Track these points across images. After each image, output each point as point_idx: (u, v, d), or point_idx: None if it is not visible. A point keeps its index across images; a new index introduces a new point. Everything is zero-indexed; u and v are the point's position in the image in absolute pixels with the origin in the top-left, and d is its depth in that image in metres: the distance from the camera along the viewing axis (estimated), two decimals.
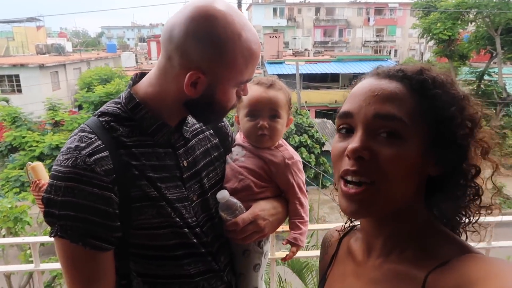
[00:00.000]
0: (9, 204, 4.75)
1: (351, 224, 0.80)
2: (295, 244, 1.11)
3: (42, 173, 1.28)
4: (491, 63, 16.15)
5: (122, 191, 0.81)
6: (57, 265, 1.75)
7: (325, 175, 9.98)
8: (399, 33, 39.97)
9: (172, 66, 0.82)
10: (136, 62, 28.54)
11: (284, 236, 1.16)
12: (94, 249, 0.80)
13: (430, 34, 16.21)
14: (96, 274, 0.83)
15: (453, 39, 15.93)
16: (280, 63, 20.50)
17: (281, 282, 2.73)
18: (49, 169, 0.86)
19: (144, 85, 0.89)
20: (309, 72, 19.37)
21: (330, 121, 14.41)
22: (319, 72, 19.81)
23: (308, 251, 2.43)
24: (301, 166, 1.13)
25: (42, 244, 2.32)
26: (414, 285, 0.56)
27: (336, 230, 0.83)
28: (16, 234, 4.73)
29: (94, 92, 12.51)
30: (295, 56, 23.61)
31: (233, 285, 1.03)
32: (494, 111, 14.19)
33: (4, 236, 4.65)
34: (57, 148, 8.14)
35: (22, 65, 16.62)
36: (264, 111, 1.07)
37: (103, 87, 12.66)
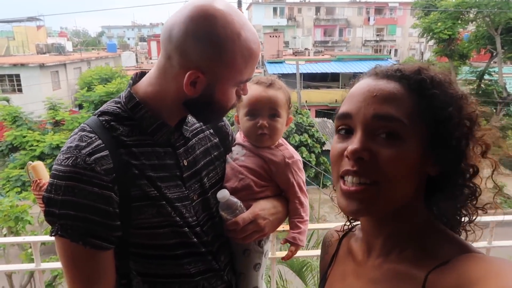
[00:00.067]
0: (9, 203, 4.76)
1: (350, 225, 0.80)
2: (293, 244, 1.11)
3: (42, 173, 1.28)
4: (491, 62, 16.14)
5: (122, 190, 0.81)
6: (58, 265, 1.75)
7: (326, 174, 9.98)
8: (399, 32, 39.95)
9: (172, 65, 0.82)
10: (137, 61, 28.53)
11: (284, 235, 1.16)
12: (94, 248, 0.80)
13: (430, 34, 16.20)
14: (96, 273, 0.83)
15: (453, 38, 15.91)
16: (280, 62, 20.50)
17: (282, 282, 2.73)
18: (50, 169, 0.86)
19: (144, 84, 0.89)
20: (309, 71, 19.37)
21: (331, 121, 14.41)
22: (319, 72, 19.81)
23: (307, 251, 2.44)
24: (301, 165, 1.13)
25: (43, 243, 2.33)
26: (414, 285, 0.56)
27: (335, 230, 0.83)
28: (17, 233, 4.74)
29: (94, 91, 12.52)
30: (295, 55, 23.62)
31: (233, 284, 1.03)
32: (495, 110, 14.18)
33: (5, 236, 4.66)
34: (58, 147, 8.15)
35: (22, 65, 16.63)
36: (264, 110, 1.07)
37: (104, 86, 12.67)
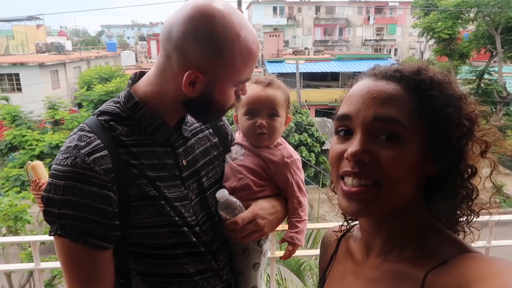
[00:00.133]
0: (9, 202, 4.76)
1: (347, 225, 0.80)
2: (291, 243, 1.11)
3: (42, 172, 1.28)
4: (491, 62, 16.14)
5: (121, 190, 0.81)
6: (57, 264, 1.75)
7: (325, 173, 9.98)
8: (399, 32, 39.94)
9: (171, 65, 0.82)
10: (136, 60, 28.50)
11: (283, 235, 1.16)
12: (93, 248, 0.80)
13: (430, 33, 16.19)
14: (96, 273, 0.83)
15: (453, 38, 15.91)
16: (280, 62, 20.49)
17: (282, 281, 2.73)
18: (49, 168, 0.86)
19: (143, 84, 0.89)
20: (309, 71, 19.36)
21: (330, 120, 14.41)
22: (319, 71, 19.81)
23: (305, 250, 2.43)
24: (300, 165, 1.13)
25: (42, 242, 2.32)
26: (413, 285, 0.56)
27: (334, 231, 0.83)
28: (16, 233, 4.74)
29: (94, 91, 12.52)
30: (295, 55, 23.60)
31: (233, 284, 1.03)
32: (494, 110, 14.19)
33: (4, 235, 4.66)
34: (57, 147, 8.15)
35: (22, 64, 16.62)
36: (263, 109, 1.07)
37: (103, 85, 12.66)
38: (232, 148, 1.12)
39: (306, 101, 16.51)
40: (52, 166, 0.80)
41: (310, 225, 1.55)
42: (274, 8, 39.44)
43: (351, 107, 0.62)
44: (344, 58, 21.64)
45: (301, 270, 2.72)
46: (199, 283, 0.93)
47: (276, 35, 22.45)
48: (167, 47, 0.81)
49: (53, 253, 4.67)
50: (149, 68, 0.90)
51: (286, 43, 29.89)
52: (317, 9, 40.64)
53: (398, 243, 0.63)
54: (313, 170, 10.53)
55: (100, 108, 0.89)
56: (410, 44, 38.64)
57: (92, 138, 0.81)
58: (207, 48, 0.78)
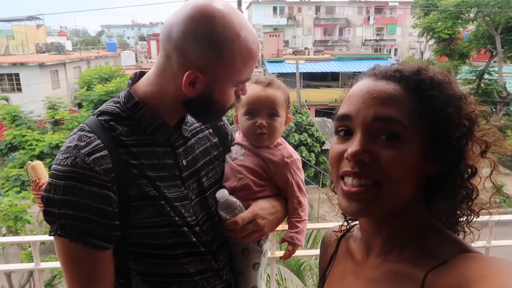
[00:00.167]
0: (9, 202, 4.76)
1: (347, 225, 0.80)
2: (291, 243, 1.11)
3: (42, 172, 1.28)
4: (491, 62, 16.14)
5: (121, 190, 0.81)
6: (57, 264, 1.75)
7: (325, 173, 9.98)
8: (399, 32, 39.94)
9: (171, 65, 0.82)
10: (136, 60, 28.50)
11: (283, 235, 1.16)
12: (93, 248, 0.80)
13: (430, 33, 16.19)
14: (96, 273, 0.83)
15: (453, 38, 15.90)
16: (280, 62, 20.49)
17: (282, 281, 2.73)
18: (49, 168, 0.86)
19: (143, 84, 0.89)
20: (309, 71, 19.36)
21: (330, 120, 14.41)
22: (319, 71, 19.81)
23: (305, 250, 2.43)
24: (300, 165, 1.13)
25: (42, 242, 2.32)
26: (413, 285, 0.56)
27: (334, 231, 0.83)
28: (16, 233, 4.74)
29: (94, 91, 12.52)
30: (295, 55, 23.60)
31: (233, 284, 1.03)
32: (494, 110, 14.19)
33: (4, 235, 4.66)
34: (57, 147, 8.15)
35: (22, 64, 16.62)
36: (263, 109, 1.07)
37: (103, 85, 12.66)
38: (232, 148, 1.12)
39: (306, 101, 16.51)
40: (52, 166, 0.80)
41: (310, 225, 1.54)
42: (274, 8, 39.44)
43: (351, 107, 0.62)
44: (344, 58, 21.64)
45: (301, 270, 2.73)
46: (199, 283, 0.93)
47: (276, 35, 22.45)
48: (167, 47, 0.81)
49: (53, 253, 4.67)
50: (149, 68, 0.90)
51: (286, 43, 29.89)
52: (317, 9, 40.64)
53: (398, 243, 0.63)
54: (313, 170, 10.53)
55: (100, 108, 0.89)
56: (410, 44, 38.64)
57: (92, 138, 0.81)
58: (207, 48, 0.78)
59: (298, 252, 1.18)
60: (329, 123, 14.20)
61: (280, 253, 1.67)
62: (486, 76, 15.94)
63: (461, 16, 15.65)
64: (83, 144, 0.80)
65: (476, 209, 0.64)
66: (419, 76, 0.60)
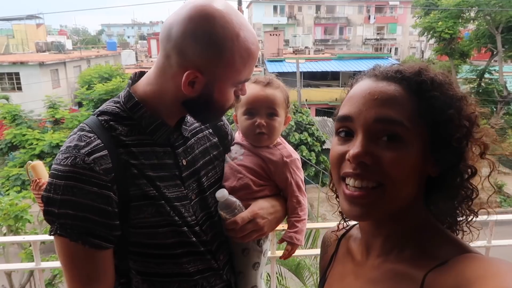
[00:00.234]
0: (9, 202, 4.77)
1: (346, 225, 0.80)
2: (290, 243, 1.11)
3: (42, 172, 1.28)
4: (492, 61, 16.11)
5: (121, 190, 0.81)
6: (57, 264, 1.75)
7: (326, 172, 9.98)
8: (400, 31, 39.89)
9: (170, 65, 0.82)
10: (136, 60, 28.48)
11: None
12: (93, 247, 0.80)
13: (431, 32, 16.16)
14: (96, 272, 0.83)
15: (454, 37, 15.87)
16: (281, 61, 20.48)
17: (283, 280, 2.73)
18: (49, 167, 0.86)
19: (143, 84, 0.89)
20: (309, 70, 19.35)
21: (331, 119, 14.40)
22: (319, 70, 19.79)
23: (304, 250, 2.43)
24: (299, 164, 1.13)
25: (42, 242, 2.32)
26: (413, 285, 0.56)
27: (333, 231, 0.83)
28: (16, 232, 4.75)
29: (94, 90, 12.52)
30: (296, 54, 23.58)
31: (233, 283, 1.03)
32: (495, 109, 14.18)
33: (5, 234, 4.67)
34: (58, 146, 8.15)
35: (22, 63, 16.62)
36: (262, 109, 1.07)
37: (103, 84, 12.67)
38: (232, 148, 1.12)
39: (306, 100, 16.49)
40: (52, 166, 0.80)
41: (309, 225, 1.54)
42: (275, 7, 39.39)
43: (352, 108, 0.62)
44: (344, 57, 21.63)
45: (299, 269, 2.73)
46: (199, 282, 0.93)
47: (276, 34, 22.43)
48: (167, 46, 0.81)
49: (53, 253, 4.68)
50: (149, 67, 0.90)
51: (287, 42, 29.86)
52: (318, 8, 40.59)
53: (397, 244, 0.63)
54: (314, 169, 10.54)
55: (100, 108, 0.89)
56: (411, 43, 38.60)
57: (92, 138, 0.81)
58: (207, 48, 0.78)
59: (298, 252, 1.18)
60: (330, 122, 14.19)
61: (280, 252, 1.67)
62: (486, 75, 15.91)
63: (461, 15, 15.62)
64: (83, 144, 0.80)
65: (476, 209, 0.64)
66: (420, 77, 0.60)
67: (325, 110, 16.74)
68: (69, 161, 0.78)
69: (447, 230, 0.63)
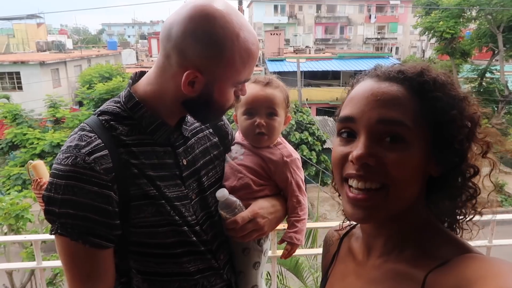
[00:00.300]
0: (10, 201, 4.77)
1: (349, 224, 0.80)
2: (290, 243, 1.11)
3: (43, 172, 1.28)
4: (493, 60, 16.08)
5: (122, 190, 0.81)
6: (58, 263, 1.75)
7: (326, 172, 9.98)
8: (401, 30, 39.83)
9: (170, 64, 0.82)
10: (137, 59, 28.46)
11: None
12: (94, 247, 0.80)
13: (432, 32, 16.13)
14: (96, 271, 0.83)
15: (455, 36, 15.84)
16: (281, 60, 20.47)
17: (283, 280, 2.74)
18: (50, 167, 0.86)
19: (143, 83, 0.89)
20: (310, 69, 19.35)
21: (331, 119, 14.40)
22: (320, 70, 19.79)
23: (305, 249, 2.43)
24: (299, 164, 1.12)
25: (43, 241, 2.33)
26: (414, 285, 0.56)
27: (335, 230, 0.83)
28: (17, 231, 4.76)
29: (94, 90, 12.53)
30: (296, 53, 23.56)
31: (233, 283, 1.03)
32: (496, 108, 14.16)
33: (5, 234, 4.68)
34: (58, 145, 8.17)
35: (22, 62, 16.63)
36: (261, 109, 1.07)
37: (104, 84, 12.67)
38: (232, 147, 1.12)
39: (307, 99, 16.49)
40: (53, 166, 0.80)
41: (309, 224, 1.54)
42: (275, 7, 39.34)
43: (354, 109, 0.61)
44: (345, 56, 21.62)
45: (298, 268, 2.73)
46: (199, 282, 0.94)
47: (277, 34, 22.42)
48: (167, 46, 0.80)
49: (54, 252, 4.68)
50: (150, 67, 0.90)
51: (287, 41, 29.82)
52: (318, 7, 40.53)
53: (399, 244, 0.63)
54: (314, 168, 10.53)
55: (100, 108, 0.89)
56: (412, 43, 38.54)
57: (92, 138, 0.81)
58: (206, 48, 0.78)
59: (298, 251, 1.17)
60: (330, 121, 14.18)
61: (281, 252, 1.67)
62: (488, 74, 15.89)
63: (462, 14, 15.59)
64: (83, 143, 0.80)
65: (478, 208, 0.64)
66: (422, 78, 0.60)
67: (326, 110, 16.73)
68: (70, 160, 0.78)
69: (448, 230, 0.63)
